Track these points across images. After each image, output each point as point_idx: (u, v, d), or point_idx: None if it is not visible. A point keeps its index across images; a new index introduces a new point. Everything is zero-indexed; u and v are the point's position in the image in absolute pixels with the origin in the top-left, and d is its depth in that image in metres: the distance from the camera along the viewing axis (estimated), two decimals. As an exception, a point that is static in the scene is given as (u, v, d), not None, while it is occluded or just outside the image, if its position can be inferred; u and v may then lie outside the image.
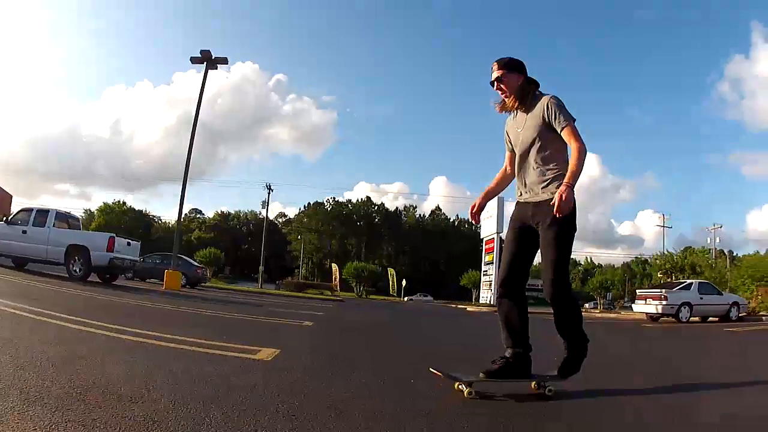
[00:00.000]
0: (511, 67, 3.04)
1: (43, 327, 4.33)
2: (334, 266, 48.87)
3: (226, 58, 17.97)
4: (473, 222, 3.41)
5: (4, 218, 13.84)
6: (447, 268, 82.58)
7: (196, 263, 24.22)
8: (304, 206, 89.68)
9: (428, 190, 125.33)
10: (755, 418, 2.93)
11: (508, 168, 3.26)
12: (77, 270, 12.44)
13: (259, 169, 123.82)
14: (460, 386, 2.86)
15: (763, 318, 18.55)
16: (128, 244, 13.45)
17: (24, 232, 12.99)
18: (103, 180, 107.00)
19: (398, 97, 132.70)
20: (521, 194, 3.07)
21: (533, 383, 3.02)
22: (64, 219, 13.92)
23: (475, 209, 3.29)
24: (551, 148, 2.95)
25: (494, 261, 45.09)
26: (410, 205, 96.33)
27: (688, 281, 18.47)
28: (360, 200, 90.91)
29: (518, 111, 3.09)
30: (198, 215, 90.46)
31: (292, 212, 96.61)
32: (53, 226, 13.01)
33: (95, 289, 10.36)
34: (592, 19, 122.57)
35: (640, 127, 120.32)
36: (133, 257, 13.88)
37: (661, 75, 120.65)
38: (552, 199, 2.80)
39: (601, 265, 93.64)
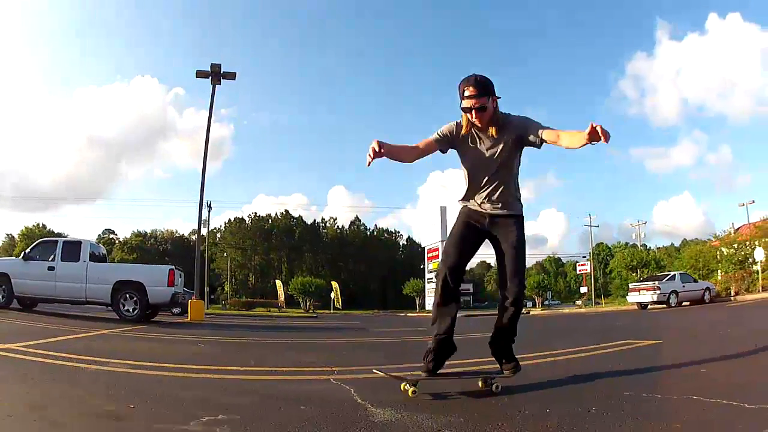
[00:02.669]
0: (489, 90, 2.95)
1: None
2: (279, 283, 47.74)
3: (234, 72, 17.03)
4: (369, 158, 2.88)
5: (22, 253, 11.96)
6: (370, 279, 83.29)
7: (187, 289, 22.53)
8: (225, 223, 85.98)
9: (326, 200, 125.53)
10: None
11: (421, 146, 3.15)
12: (130, 310, 11.10)
13: (159, 186, 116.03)
14: (405, 386, 3.02)
15: (732, 298, 21.88)
16: (180, 275, 12.28)
17: (51, 268, 11.34)
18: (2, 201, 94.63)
19: (292, 108, 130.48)
20: (481, 205, 3.14)
21: (480, 381, 3.19)
22: (96, 251, 12.39)
23: (377, 151, 2.88)
24: (516, 169, 3.16)
25: (439, 268, 46.38)
26: (331, 217, 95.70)
27: (672, 273, 21.52)
28: (280, 214, 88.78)
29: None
30: (112, 235, 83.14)
31: (202, 229, 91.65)
32: (89, 260, 11.55)
33: (197, 332, 9.46)
34: (488, 18, 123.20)
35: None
36: (182, 289, 12.69)
37: (561, 75, 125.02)
38: (516, 214, 3.13)
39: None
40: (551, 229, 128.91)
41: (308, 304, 46.46)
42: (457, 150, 3.18)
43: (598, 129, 2.59)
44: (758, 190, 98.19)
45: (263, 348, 7.00)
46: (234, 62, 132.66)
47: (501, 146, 3.02)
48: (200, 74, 16.90)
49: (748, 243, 27.27)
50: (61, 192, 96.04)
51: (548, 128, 2.95)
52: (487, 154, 3.05)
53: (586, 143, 2.68)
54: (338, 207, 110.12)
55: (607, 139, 2.61)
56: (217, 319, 18.18)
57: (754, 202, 37.16)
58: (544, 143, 2.96)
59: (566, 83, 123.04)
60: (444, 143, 3.14)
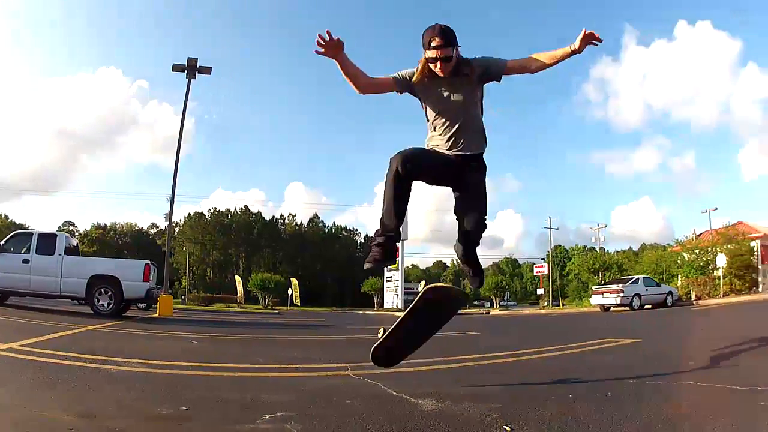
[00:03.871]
0: (453, 41, 2.95)
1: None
2: (238, 278, 47.38)
3: (210, 67, 16.87)
4: (318, 42, 2.91)
5: None
6: (327, 276, 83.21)
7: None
8: (185, 217, 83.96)
9: (284, 197, 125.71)
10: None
11: (375, 78, 3.17)
12: (105, 305, 10.99)
13: (119, 178, 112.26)
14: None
15: (694, 303, 22.96)
16: (154, 270, 12.19)
17: (25, 261, 11.05)
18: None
19: (255, 104, 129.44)
20: (448, 150, 3.14)
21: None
22: (69, 243, 12.13)
23: (328, 40, 2.93)
24: (481, 108, 3.21)
25: (399, 267, 46.96)
26: (290, 214, 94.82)
27: (635, 276, 22.44)
28: (240, 209, 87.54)
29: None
30: (72, 227, 79.64)
31: (162, 222, 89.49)
32: (64, 253, 11.33)
33: (178, 328, 9.47)
34: (444, 19, 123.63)
35: (498, 131, 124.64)
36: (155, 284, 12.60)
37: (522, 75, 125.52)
38: (479, 155, 3.21)
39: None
40: (508, 231, 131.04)
41: (267, 300, 46.15)
42: (418, 96, 3.20)
43: (595, 33, 2.82)
44: (720, 197, 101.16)
45: (258, 345, 7.19)
46: (199, 55, 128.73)
47: (464, 89, 3.06)
48: (176, 68, 16.65)
49: (710, 249, 27.97)
50: (21, 182, 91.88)
51: (510, 60, 3.07)
52: (452, 98, 3.09)
53: (576, 51, 2.91)
54: (295, 203, 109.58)
55: (599, 39, 2.85)
56: (184, 314, 18.08)
57: (717, 209, 37.71)
58: (506, 75, 3.07)
59: (527, 83, 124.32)
60: (403, 85, 3.14)
